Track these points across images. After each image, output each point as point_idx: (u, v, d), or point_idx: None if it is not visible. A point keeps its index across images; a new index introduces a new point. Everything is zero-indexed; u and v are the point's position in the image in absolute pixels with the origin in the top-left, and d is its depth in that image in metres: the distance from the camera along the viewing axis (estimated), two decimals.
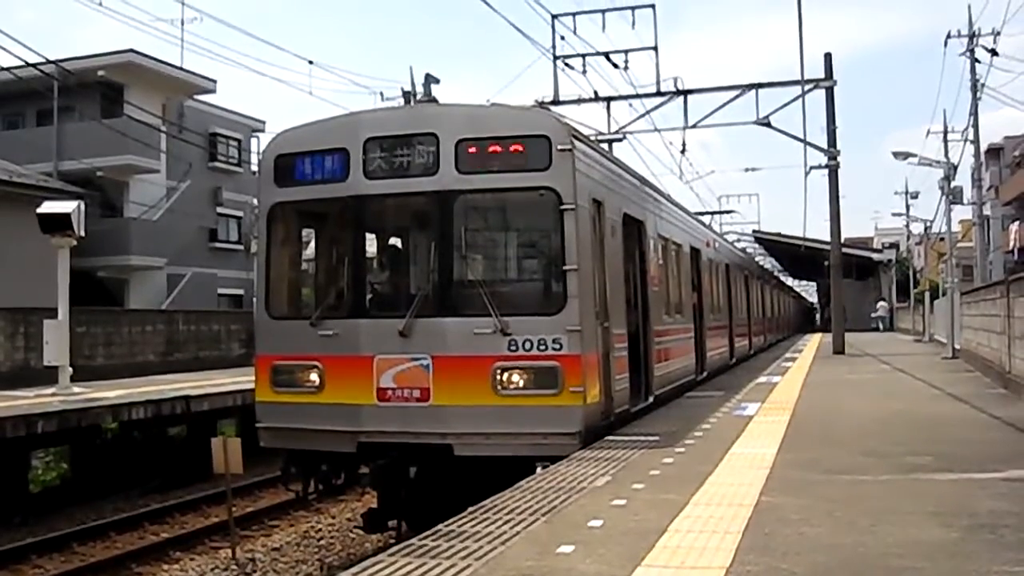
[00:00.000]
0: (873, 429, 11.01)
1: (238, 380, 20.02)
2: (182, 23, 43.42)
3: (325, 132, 10.87)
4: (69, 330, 18.83)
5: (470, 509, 6.88)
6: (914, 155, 32.14)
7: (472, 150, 10.03)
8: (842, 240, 31.56)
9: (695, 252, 18.79)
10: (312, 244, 12.38)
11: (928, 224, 53.20)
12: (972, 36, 33.72)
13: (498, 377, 9.71)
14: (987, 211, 48.69)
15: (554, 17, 25.97)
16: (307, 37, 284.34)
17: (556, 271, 10.05)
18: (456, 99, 12.71)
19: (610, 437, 10.23)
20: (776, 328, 43.71)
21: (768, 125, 27.22)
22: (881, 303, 61.16)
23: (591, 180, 10.66)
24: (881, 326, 58.30)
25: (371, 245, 11.59)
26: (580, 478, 7.91)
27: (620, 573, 5.08)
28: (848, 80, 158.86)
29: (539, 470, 8.70)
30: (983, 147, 39.73)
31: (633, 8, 25.99)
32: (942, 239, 42.20)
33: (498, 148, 10.01)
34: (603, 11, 26.10)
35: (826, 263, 37.29)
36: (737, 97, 27.38)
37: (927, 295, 40.45)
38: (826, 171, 28.58)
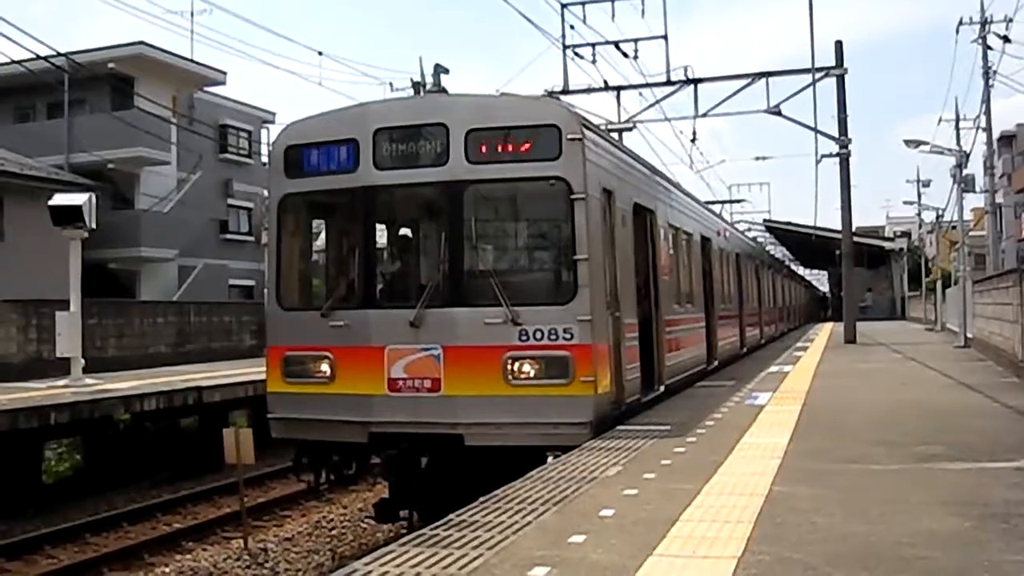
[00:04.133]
0: (885, 418, 10.98)
1: (249, 371, 20.08)
2: (192, 15, 43.02)
3: (335, 123, 10.86)
4: (81, 322, 18.89)
5: (481, 499, 6.88)
6: (926, 143, 32.00)
7: (482, 140, 10.02)
8: (853, 229, 31.45)
9: (706, 241, 18.76)
10: (322, 235, 12.41)
11: (940, 213, 53.13)
12: (984, 23, 33.64)
13: (509, 367, 9.71)
14: (999, 199, 48.49)
15: (564, 6, 25.94)
16: (316, 28, 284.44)
17: (567, 261, 10.05)
18: (466, 89, 12.70)
19: (621, 427, 10.22)
20: (787, 317, 43.61)
21: (779, 114, 27.12)
22: (868, 293, 61.89)
23: (601, 169, 10.64)
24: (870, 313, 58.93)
25: (381, 236, 11.61)
26: (591, 468, 7.91)
27: (631, 562, 5.08)
28: (859, 67, 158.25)
29: (550, 460, 8.71)
30: (995, 135, 39.59)
31: None
32: (954, 227, 42.12)
33: (508, 138, 10.00)
34: (613, 0, 26.05)
35: (837, 252, 37.20)
36: (747, 86, 27.29)
37: (939, 284, 40.33)
38: (837, 159, 28.48)
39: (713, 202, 34.76)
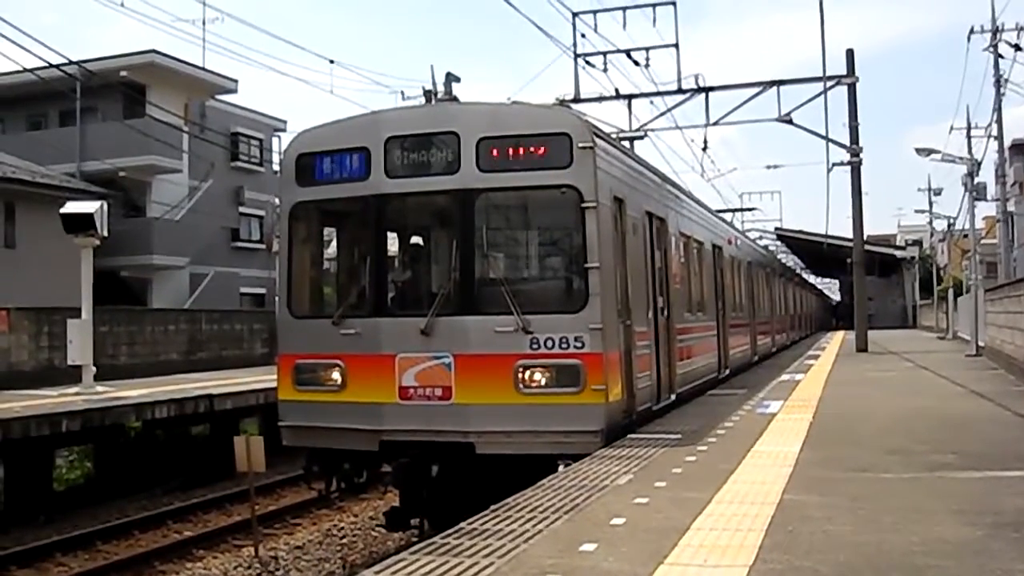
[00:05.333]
0: (896, 427, 10.95)
1: (260, 379, 20.11)
2: (203, 23, 43.16)
3: (346, 131, 10.89)
4: (92, 329, 18.97)
5: (492, 507, 6.88)
6: (937, 151, 31.93)
7: (493, 148, 10.03)
8: (865, 237, 31.39)
9: (717, 249, 18.75)
10: (334, 243, 12.42)
11: (951, 221, 52.96)
12: (996, 31, 33.56)
13: (520, 375, 9.71)
14: (1011, 207, 48.28)
15: (575, 15, 25.94)
16: (328, 36, 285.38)
17: (578, 269, 10.05)
18: (477, 98, 12.72)
19: (632, 435, 10.21)
20: (799, 326, 43.55)
21: (790, 122, 27.08)
22: (870, 301, 62.18)
23: (612, 178, 10.64)
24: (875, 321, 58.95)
25: (392, 244, 11.63)
26: (602, 476, 7.90)
27: (642, 571, 5.07)
28: (870, 75, 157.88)
29: (561, 468, 8.70)
30: (1007, 143, 39.47)
31: (654, 5, 25.99)
32: (966, 236, 41.96)
33: (519, 146, 10.00)
34: (624, 8, 26.10)
35: (849, 260, 37.11)
36: (759, 94, 27.25)
37: (950, 292, 40.23)
38: (848, 168, 28.44)
39: (724, 210, 34.67)
